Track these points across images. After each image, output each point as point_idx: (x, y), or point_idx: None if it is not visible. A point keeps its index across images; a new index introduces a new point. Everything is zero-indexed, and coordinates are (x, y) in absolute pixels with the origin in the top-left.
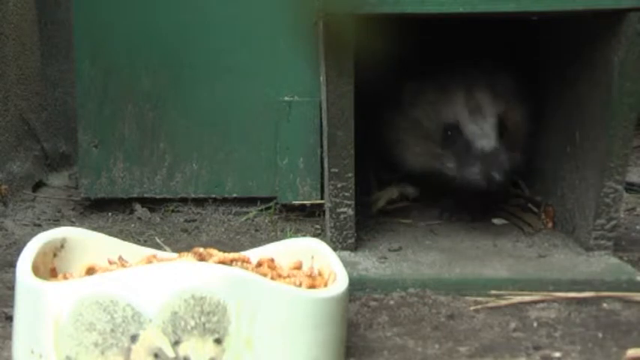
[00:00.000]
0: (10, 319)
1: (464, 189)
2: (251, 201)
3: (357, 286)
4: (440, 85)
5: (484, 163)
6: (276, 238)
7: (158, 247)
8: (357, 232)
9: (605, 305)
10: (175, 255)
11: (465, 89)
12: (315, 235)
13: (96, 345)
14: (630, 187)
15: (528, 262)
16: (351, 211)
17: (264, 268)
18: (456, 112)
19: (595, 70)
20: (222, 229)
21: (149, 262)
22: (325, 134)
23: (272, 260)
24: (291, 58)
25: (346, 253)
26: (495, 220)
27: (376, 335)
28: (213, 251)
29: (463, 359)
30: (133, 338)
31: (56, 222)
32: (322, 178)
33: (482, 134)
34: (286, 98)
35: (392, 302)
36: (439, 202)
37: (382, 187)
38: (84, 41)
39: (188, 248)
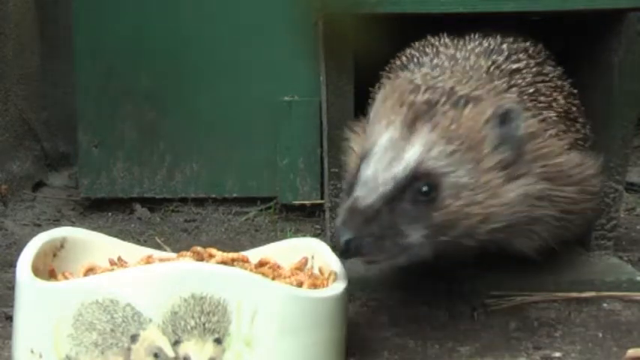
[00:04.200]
0: (10, 319)
1: None
2: (251, 201)
3: (357, 286)
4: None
5: (342, 219)
6: (276, 238)
7: (158, 247)
8: None
9: (605, 305)
10: (175, 255)
11: (413, 112)
12: (315, 235)
13: (96, 345)
14: (630, 187)
15: (528, 262)
16: None
17: (265, 269)
18: (373, 142)
19: (595, 70)
20: (222, 229)
21: (148, 262)
22: (325, 134)
23: (278, 266)
24: (291, 58)
25: None
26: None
27: (376, 335)
28: (214, 251)
29: (463, 359)
30: (133, 338)
31: (56, 222)
32: (322, 178)
33: (370, 183)
34: (286, 98)
35: (392, 302)
36: None
37: None
38: (84, 41)
39: (188, 248)
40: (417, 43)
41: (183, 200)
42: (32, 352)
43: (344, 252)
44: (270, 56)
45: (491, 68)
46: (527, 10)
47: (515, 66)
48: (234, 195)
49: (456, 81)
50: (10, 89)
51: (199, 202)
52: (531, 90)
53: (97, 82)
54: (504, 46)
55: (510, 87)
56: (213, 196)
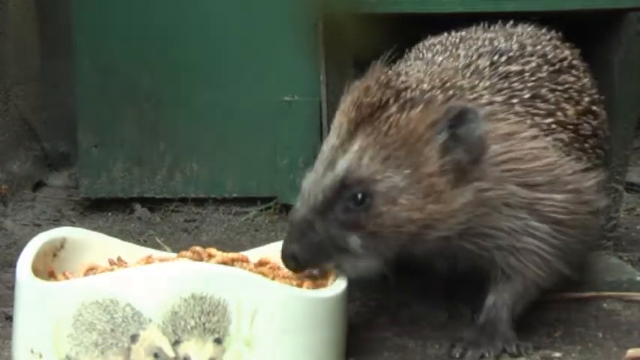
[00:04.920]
0: (10, 319)
1: None
2: (251, 201)
3: (357, 287)
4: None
5: (286, 234)
6: (276, 238)
7: (158, 247)
8: None
9: (605, 305)
10: (175, 255)
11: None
12: None
13: (96, 345)
14: (630, 187)
15: None
16: None
17: (265, 269)
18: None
19: (595, 70)
20: (222, 229)
21: (148, 262)
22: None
23: (278, 267)
24: (291, 58)
25: None
26: None
27: (376, 335)
28: (214, 251)
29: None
30: (133, 338)
31: (56, 222)
32: None
33: (305, 194)
34: (286, 98)
35: (392, 302)
36: None
37: None
38: (84, 41)
39: (188, 248)
40: (432, 39)
41: (183, 200)
42: (32, 352)
43: (290, 265)
44: (270, 56)
45: (486, 69)
46: (527, 10)
47: (517, 68)
48: (234, 195)
49: (418, 79)
50: (10, 89)
51: (199, 202)
52: (528, 95)
53: (97, 82)
54: (515, 46)
55: (502, 89)
56: (213, 196)
